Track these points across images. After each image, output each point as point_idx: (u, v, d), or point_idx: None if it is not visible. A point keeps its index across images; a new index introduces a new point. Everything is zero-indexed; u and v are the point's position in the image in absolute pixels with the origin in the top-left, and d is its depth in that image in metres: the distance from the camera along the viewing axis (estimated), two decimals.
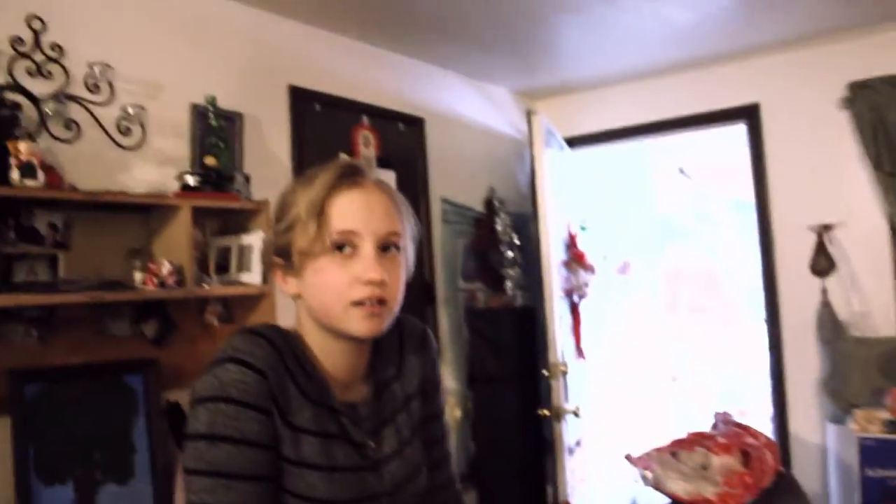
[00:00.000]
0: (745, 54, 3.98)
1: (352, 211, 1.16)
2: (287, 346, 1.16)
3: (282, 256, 1.20)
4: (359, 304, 1.14)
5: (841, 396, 3.60)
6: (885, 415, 3.19)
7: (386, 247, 1.17)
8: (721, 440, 1.96)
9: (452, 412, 3.77)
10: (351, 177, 1.18)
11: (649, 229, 6.22)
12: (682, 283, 7.10)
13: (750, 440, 2.00)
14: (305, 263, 1.16)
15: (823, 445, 3.74)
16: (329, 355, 1.20)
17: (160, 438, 2.35)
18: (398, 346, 1.34)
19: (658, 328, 6.34)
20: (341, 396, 1.21)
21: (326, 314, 1.16)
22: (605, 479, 4.75)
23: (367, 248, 1.15)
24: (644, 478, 2.16)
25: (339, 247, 1.15)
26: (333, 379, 1.20)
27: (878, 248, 3.70)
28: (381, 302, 1.15)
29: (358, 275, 1.14)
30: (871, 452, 3.10)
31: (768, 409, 5.65)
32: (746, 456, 1.99)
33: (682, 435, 2.13)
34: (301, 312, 1.22)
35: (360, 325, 1.15)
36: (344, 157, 1.28)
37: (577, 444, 3.80)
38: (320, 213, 1.15)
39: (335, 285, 1.14)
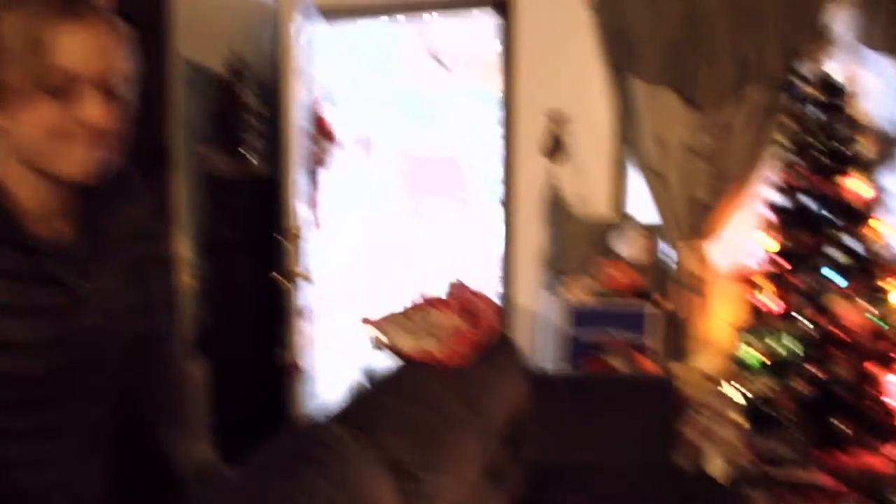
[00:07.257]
0: None
1: (75, 49, 1.05)
2: None
3: None
4: (74, 146, 1.07)
5: (556, 267, 3.99)
6: (590, 282, 3.77)
7: (110, 90, 1.09)
8: (449, 301, 2.09)
9: (187, 281, 3.65)
10: (76, 7, 1.07)
11: (395, 110, 6.32)
12: (423, 165, 7.35)
13: (477, 303, 2.15)
14: (15, 99, 1.05)
15: (539, 312, 4.13)
16: (28, 189, 1.11)
17: None
18: (109, 187, 1.24)
19: (398, 206, 6.56)
20: (37, 231, 1.12)
21: (36, 155, 1.08)
22: (340, 346, 4.91)
23: (91, 90, 1.06)
24: (377, 340, 2.25)
25: (60, 87, 1.05)
26: (27, 212, 1.11)
27: (602, 141, 4.04)
28: (100, 146, 1.10)
29: (78, 118, 1.06)
30: (577, 315, 3.69)
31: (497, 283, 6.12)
32: (473, 317, 2.14)
33: (418, 299, 2.25)
34: (1, 145, 1.10)
35: (73, 168, 1.08)
36: None
37: (310, 309, 3.85)
38: (36, 46, 1.03)
39: (51, 126, 1.05)
